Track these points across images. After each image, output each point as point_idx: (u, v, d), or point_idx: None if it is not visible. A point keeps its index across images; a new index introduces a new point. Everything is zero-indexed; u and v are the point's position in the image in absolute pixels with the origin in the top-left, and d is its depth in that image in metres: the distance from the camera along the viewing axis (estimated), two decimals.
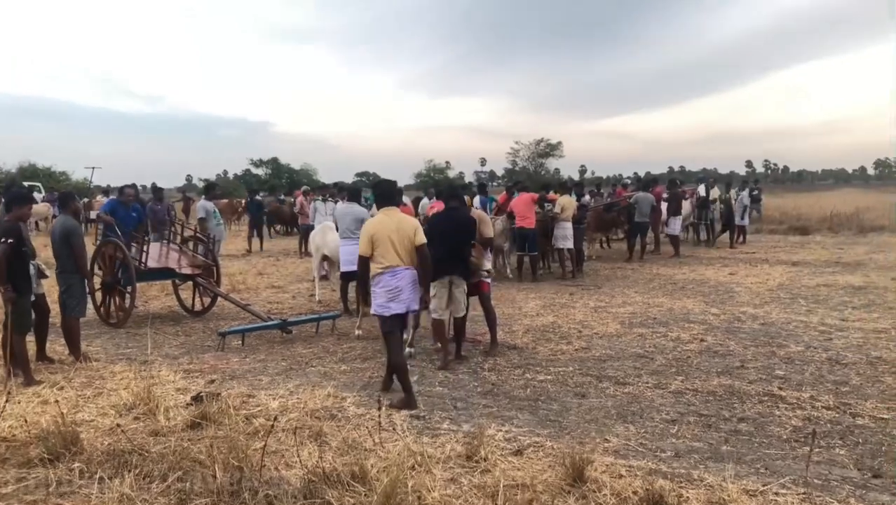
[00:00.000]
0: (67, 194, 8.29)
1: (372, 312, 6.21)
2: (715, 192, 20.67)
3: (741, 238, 19.69)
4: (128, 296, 9.30)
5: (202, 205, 12.43)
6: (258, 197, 22.42)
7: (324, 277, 12.28)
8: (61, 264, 7.35)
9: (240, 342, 8.38)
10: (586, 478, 4.15)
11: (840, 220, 24.38)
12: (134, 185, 11.70)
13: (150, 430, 5.15)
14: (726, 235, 19.05)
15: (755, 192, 21.16)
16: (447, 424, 5.38)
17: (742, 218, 19.74)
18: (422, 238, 6.05)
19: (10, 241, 6.45)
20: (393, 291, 5.96)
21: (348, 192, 10.45)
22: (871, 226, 23.25)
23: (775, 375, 6.61)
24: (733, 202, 19.32)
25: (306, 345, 8.16)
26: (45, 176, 46.39)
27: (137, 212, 10.57)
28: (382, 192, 6.36)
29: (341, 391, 6.20)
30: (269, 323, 8.49)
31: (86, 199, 24.25)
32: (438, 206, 9.47)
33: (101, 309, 9.49)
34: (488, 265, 7.75)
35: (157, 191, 14.47)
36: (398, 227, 5.98)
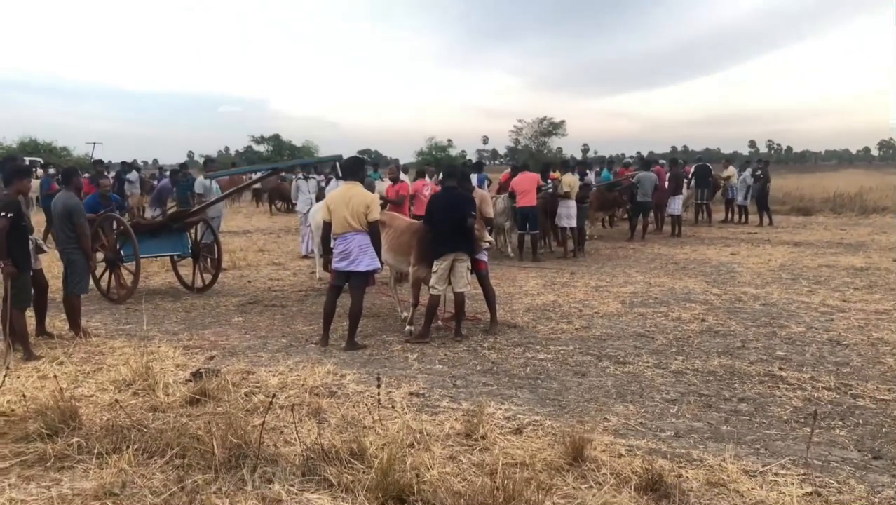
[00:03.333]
0: (70, 170, 8.22)
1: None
2: (729, 171, 20.61)
3: (743, 218, 19.64)
4: (126, 272, 9.29)
5: (199, 181, 12.33)
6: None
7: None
8: (62, 241, 7.30)
9: (240, 318, 8.38)
10: (585, 457, 4.13)
11: (843, 201, 24.21)
12: (106, 171, 11.77)
13: (148, 405, 5.15)
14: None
15: (758, 172, 21.03)
16: (447, 401, 5.37)
17: (745, 198, 19.68)
18: (375, 215, 6.88)
19: (9, 215, 6.40)
20: (342, 253, 6.88)
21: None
22: (874, 207, 23.10)
23: (776, 356, 6.59)
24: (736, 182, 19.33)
25: (307, 322, 8.14)
26: (45, 151, 46.19)
27: (116, 201, 10.50)
28: (346, 167, 7.27)
29: (341, 368, 6.18)
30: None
31: (86, 175, 24.18)
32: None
33: (103, 284, 9.48)
34: (489, 236, 7.74)
35: (174, 171, 14.94)
36: (351, 200, 6.81)
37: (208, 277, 10.24)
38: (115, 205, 10.15)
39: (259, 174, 13.97)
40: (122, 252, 9.38)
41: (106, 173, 17.72)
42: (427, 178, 13.92)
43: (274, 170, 13.28)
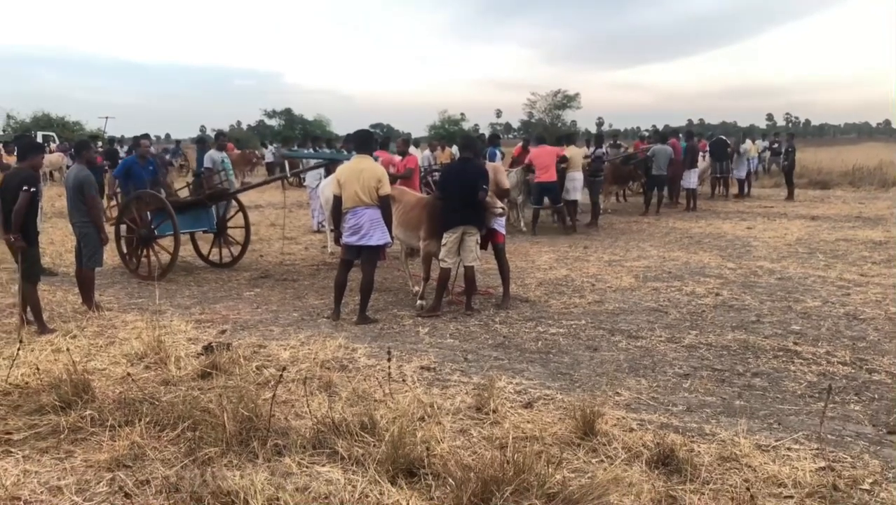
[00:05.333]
0: (82, 143, 8.26)
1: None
2: (748, 145, 20.32)
3: (747, 191, 19.44)
4: (157, 248, 9.25)
5: (209, 155, 12.25)
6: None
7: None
8: (75, 214, 7.30)
9: (252, 293, 8.40)
10: (597, 431, 4.12)
11: (862, 175, 23.89)
12: (147, 136, 11.60)
13: (160, 379, 5.18)
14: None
15: (775, 146, 20.72)
16: (457, 375, 5.36)
17: (740, 171, 19.20)
18: (385, 189, 6.81)
19: (32, 189, 6.42)
20: (353, 228, 6.84)
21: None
22: (894, 180, 22.80)
23: (791, 330, 6.52)
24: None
25: (318, 296, 8.14)
26: (58, 126, 46.31)
27: (153, 165, 10.31)
28: (356, 140, 7.34)
29: (352, 342, 6.18)
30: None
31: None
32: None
33: (134, 260, 9.44)
34: (500, 203, 7.63)
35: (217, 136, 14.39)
36: (361, 174, 6.76)
37: (233, 252, 10.25)
38: (150, 168, 10.00)
39: (314, 162, 13.11)
40: (155, 229, 9.25)
41: (121, 147, 17.63)
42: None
43: (332, 160, 12.31)
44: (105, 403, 4.59)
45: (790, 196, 18.71)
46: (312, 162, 12.81)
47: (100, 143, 20.79)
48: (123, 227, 9.36)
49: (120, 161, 12.72)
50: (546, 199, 12.97)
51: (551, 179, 12.58)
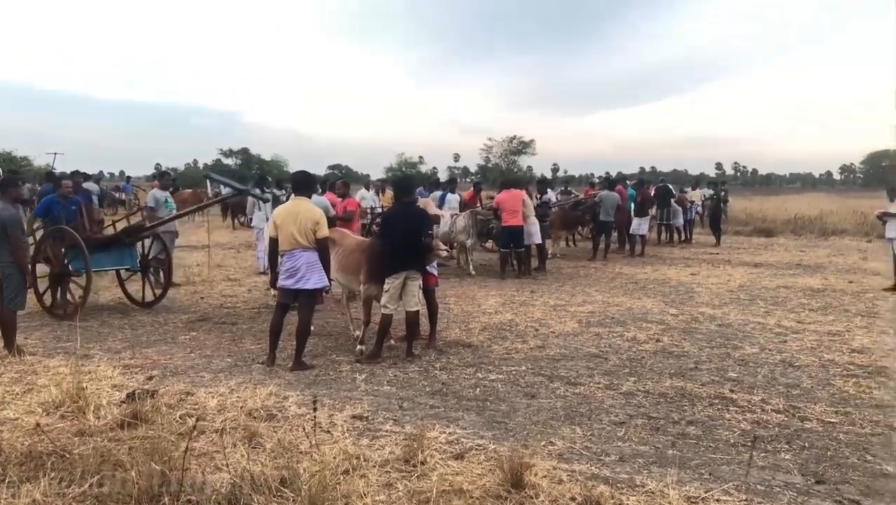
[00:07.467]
0: (7, 180, 7.93)
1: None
2: (695, 194, 20.97)
3: (684, 237, 20.07)
4: (74, 286, 8.97)
5: (153, 194, 11.97)
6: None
7: None
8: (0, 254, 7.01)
9: (187, 336, 8.14)
10: (525, 483, 4.01)
11: (803, 223, 24.69)
12: (78, 172, 11.27)
13: (76, 429, 4.91)
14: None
15: (722, 193, 21.43)
16: (390, 425, 5.20)
17: (676, 217, 19.64)
18: (323, 232, 6.70)
19: None
20: (289, 271, 6.70)
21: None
22: (833, 229, 23.58)
23: (728, 378, 6.55)
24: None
25: (256, 340, 7.93)
26: (5, 161, 45.10)
27: (76, 205, 10.01)
28: (295, 181, 7.15)
29: (284, 390, 5.98)
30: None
31: (28, 185, 23.44)
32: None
33: (49, 300, 9.15)
34: (444, 246, 7.63)
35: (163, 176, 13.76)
36: (298, 216, 6.64)
37: (157, 292, 10.00)
38: (73, 208, 9.77)
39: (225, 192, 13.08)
40: (70, 266, 9.07)
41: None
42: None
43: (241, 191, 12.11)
44: (11, 457, 4.32)
45: (716, 242, 19.33)
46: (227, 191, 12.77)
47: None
48: (39, 266, 9.10)
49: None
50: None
51: (518, 224, 12.66)
